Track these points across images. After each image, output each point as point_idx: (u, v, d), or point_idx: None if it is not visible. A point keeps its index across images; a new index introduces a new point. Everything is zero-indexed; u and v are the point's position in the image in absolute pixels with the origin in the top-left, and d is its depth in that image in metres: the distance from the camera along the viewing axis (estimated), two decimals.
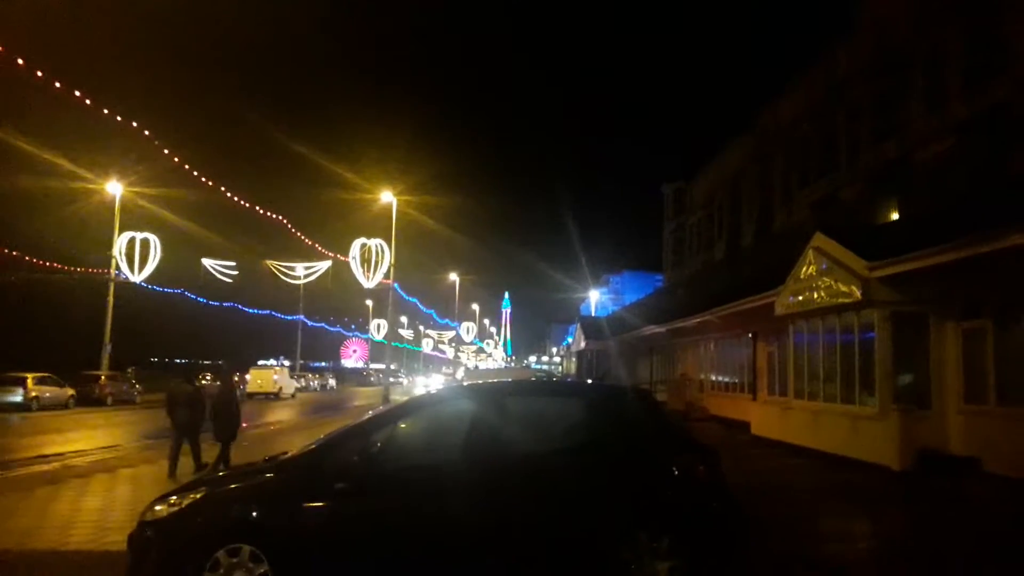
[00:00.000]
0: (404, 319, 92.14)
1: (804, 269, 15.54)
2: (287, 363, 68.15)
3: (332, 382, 63.96)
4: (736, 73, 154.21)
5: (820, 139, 26.65)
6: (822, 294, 14.71)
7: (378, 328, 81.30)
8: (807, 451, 14.79)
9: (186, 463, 12.26)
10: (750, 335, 21.25)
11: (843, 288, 13.82)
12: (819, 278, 14.86)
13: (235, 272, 44.58)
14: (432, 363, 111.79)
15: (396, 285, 44.91)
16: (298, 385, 50.89)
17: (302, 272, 49.24)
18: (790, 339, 16.74)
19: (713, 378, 26.15)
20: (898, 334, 13.11)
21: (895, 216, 20.48)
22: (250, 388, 43.07)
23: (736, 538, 5.98)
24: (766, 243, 30.28)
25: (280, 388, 44.64)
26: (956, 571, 7.15)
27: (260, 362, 59.32)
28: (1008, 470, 10.87)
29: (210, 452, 12.58)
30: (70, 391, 31.42)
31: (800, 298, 15.72)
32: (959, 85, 18.81)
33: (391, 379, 48.93)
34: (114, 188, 38.36)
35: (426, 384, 49.41)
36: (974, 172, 17.51)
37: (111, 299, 38.33)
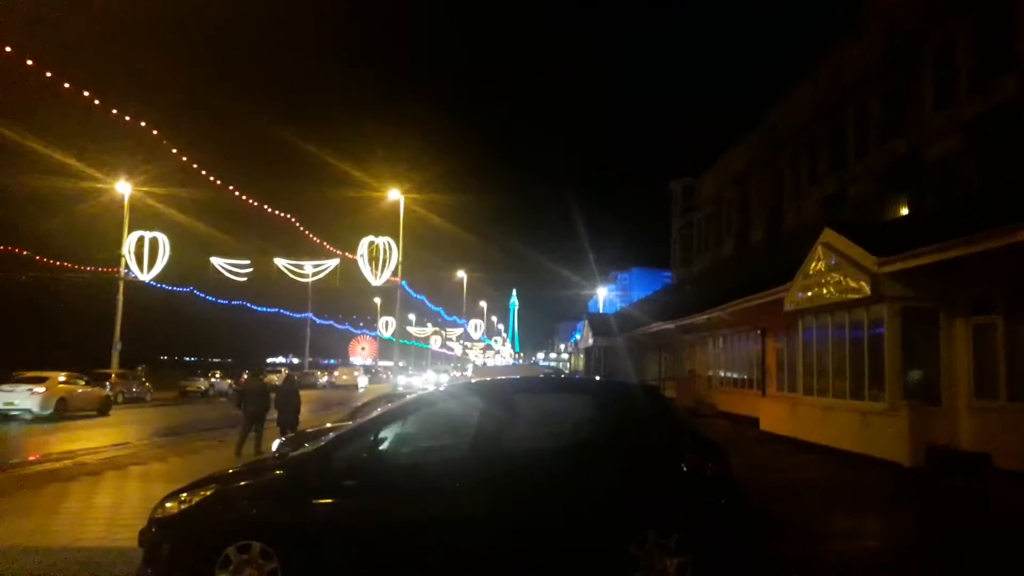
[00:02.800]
0: (412, 316, 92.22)
1: (813, 265, 15.48)
2: (296, 360, 72.95)
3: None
4: (745, 69, 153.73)
5: (829, 136, 26.54)
6: (831, 290, 14.65)
7: (386, 325, 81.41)
8: (816, 447, 14.74)
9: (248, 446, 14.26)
10: (759, 331, 21.18)
11: (852, 284, 13.77)
12: (828, 274, 14.79)
13: (249, 270, 44.58)
14: (440, 360, 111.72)
15: (404, 283, 44.96)
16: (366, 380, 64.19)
17: (310, 270, 49.22)
18: (799, 335, 16.68)
19: (722, 374, 26.07)
20: (908, 330, 13.05)
21: (904, 212, 20.39)
22: (337, 382, 59.49)
23: (745, 535, 5.97)
24: (775, 239, 30.18)
25: (358, 382, 59.38)
26: (971, 570, 7.11)
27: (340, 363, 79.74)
28: (1018, 465, 10.81)
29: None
30: None
31: (809, 294, 15.66)
32: (968, 82, 18.71)
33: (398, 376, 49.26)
34: (123, 187, 38.48)
35: (408, 383, 43.91)
36: (983, 168, 17.43)
37: (120, 298, 38.42)
